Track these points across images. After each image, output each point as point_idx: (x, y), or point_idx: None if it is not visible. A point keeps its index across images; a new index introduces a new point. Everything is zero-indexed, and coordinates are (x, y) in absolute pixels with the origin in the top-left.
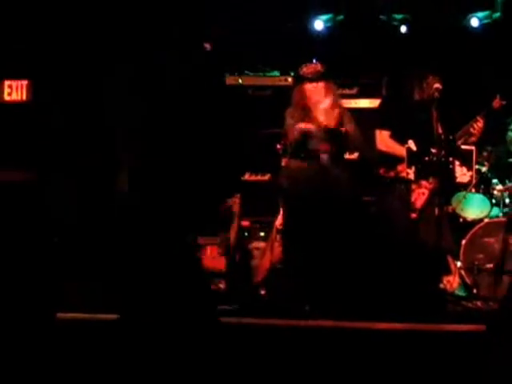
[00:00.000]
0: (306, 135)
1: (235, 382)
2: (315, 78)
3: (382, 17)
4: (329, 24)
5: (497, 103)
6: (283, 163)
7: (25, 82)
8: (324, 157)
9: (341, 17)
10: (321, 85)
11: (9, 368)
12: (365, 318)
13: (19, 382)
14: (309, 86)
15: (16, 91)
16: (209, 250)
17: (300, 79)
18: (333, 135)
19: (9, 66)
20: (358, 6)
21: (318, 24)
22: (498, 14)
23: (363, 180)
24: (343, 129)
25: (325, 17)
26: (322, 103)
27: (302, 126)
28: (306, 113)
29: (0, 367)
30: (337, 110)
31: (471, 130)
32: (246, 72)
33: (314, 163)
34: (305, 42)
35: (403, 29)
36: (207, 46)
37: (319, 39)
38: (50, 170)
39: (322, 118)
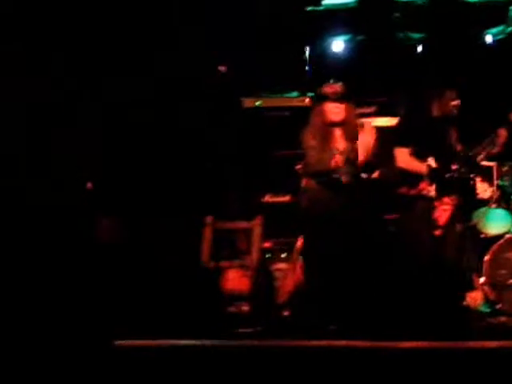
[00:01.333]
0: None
1: None
2: (337, 98)
3: (399, 35)
4: (348, 44)
5: None
6: (303, 184)
7: None
8: (344, 177)
9: (360, 37)
10: (342, 106)
11: None
12: (389, 337)
13: None
14: (330, 106)
15: None
16: (231, 272)
17: (320, 98)
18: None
19: None
20: (377, 25)
21: (338, 44)
22: (511, 29)
23: (384, 199)
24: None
25: (344, 37)
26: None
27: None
28: (325, 133)
29: None
30: (356, 132)
31: (496, 139)
32: (263, 94)
33: (334, 183)
34: (322, 61)
35: (420, 47)
36: (222, 68)
37: (337, 59)
38: None
39: (340, 140)
